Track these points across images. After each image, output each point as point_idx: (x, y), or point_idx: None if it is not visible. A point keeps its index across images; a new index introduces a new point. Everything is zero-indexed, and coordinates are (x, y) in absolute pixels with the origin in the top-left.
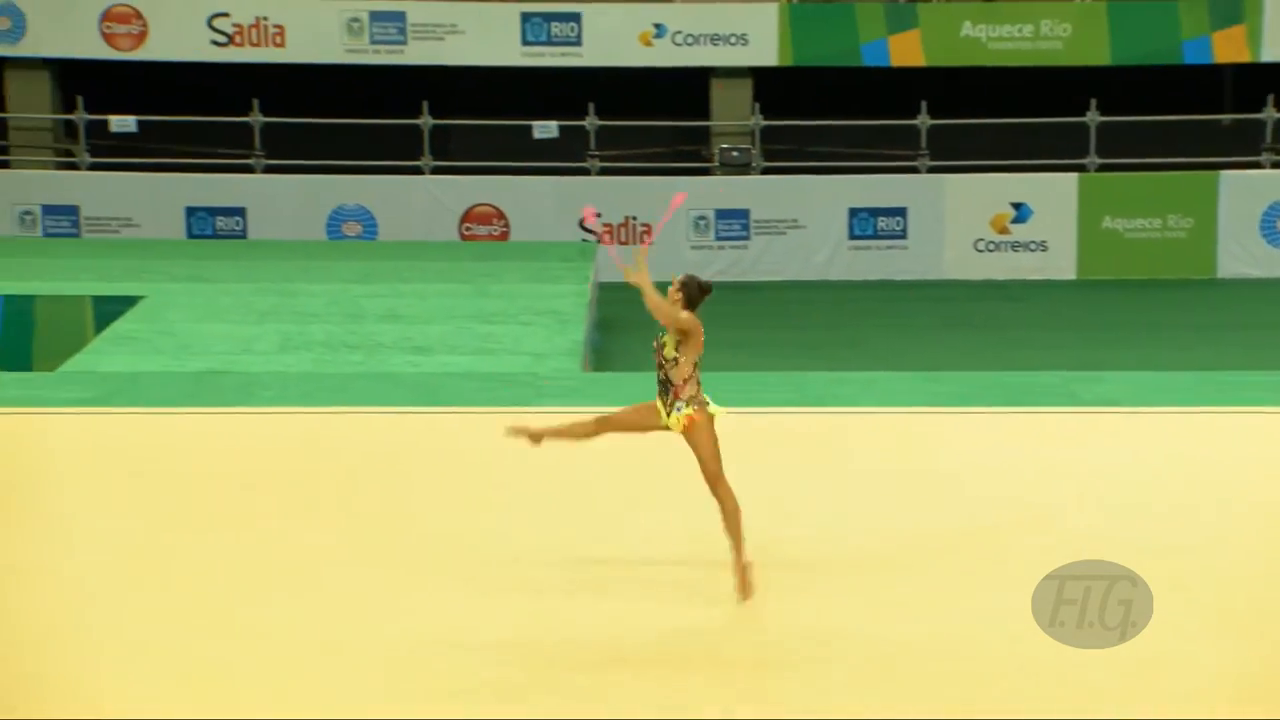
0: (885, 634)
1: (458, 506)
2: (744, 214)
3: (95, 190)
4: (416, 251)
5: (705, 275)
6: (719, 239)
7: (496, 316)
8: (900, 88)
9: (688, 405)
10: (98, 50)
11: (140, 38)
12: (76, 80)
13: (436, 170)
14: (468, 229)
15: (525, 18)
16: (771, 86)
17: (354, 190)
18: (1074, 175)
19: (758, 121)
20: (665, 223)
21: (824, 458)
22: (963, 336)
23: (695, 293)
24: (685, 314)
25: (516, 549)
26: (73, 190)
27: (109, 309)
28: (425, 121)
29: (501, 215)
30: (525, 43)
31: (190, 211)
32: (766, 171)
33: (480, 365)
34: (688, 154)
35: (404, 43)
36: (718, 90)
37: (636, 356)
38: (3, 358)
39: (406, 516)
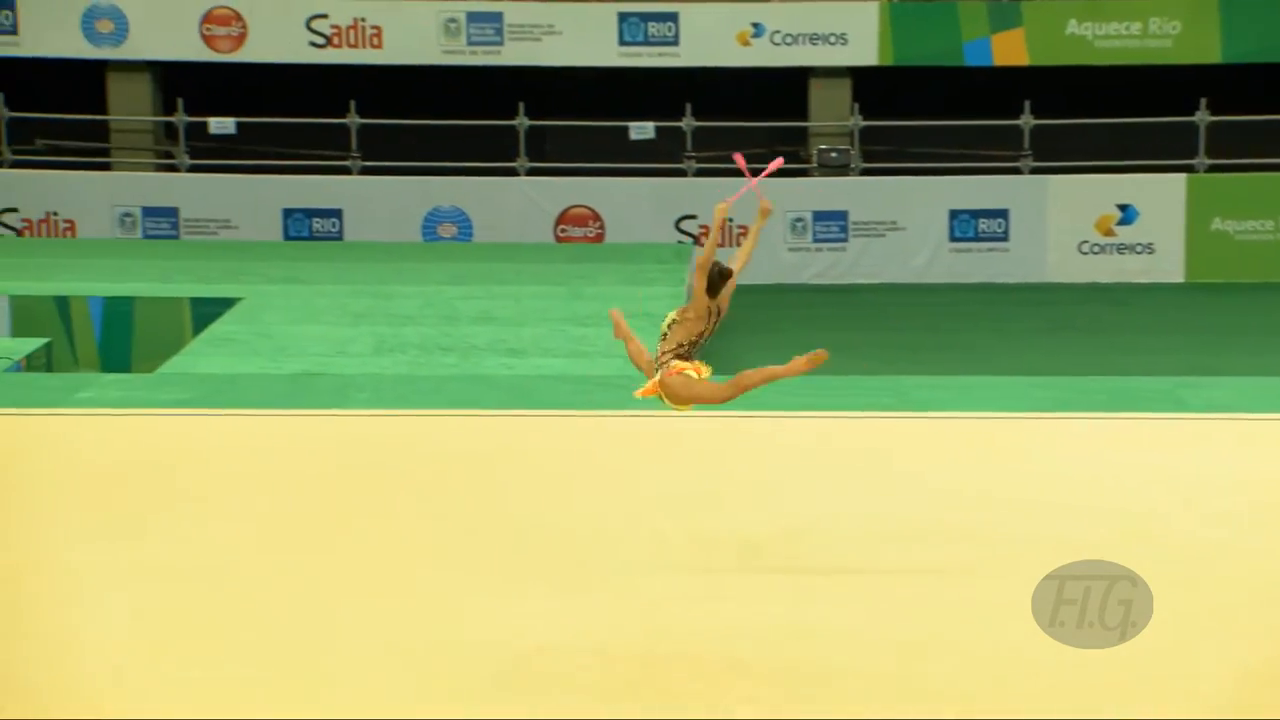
0: (980, 640)
1: (551, 509)
2: (842, 216)
3: (194, 192)
4: (511, 253)
5: (803, 277)
6: (816, 241)
7: (591, 319)
8: (1003, 87)
9: (649, 376)
10: (198, 52)
11: (240, 39)
12: (177, 82)
13: (532, 171)
14: (563, 231)
15: (622, 17)
16: (871, 86)
17: (449, 191)
18: (1182, 176)
19: (857, 122)
20: (760, 180)
21: (922, 463)
22: (1066, 340)
23: (715, 278)
24: (701, 285)
25: (609, 551)
26: (172, 192)
27: (207, 310)
28: (521, 122)
29: (597, 217)
30: (622, 43)
31: (287, 213)
32: (865, 173)
33: (574, 368)
34: (785, 155)
35: (500, 43)
36: (816, 90)
37: (732, 359)
38: (102, 359)
39: (501, 519)
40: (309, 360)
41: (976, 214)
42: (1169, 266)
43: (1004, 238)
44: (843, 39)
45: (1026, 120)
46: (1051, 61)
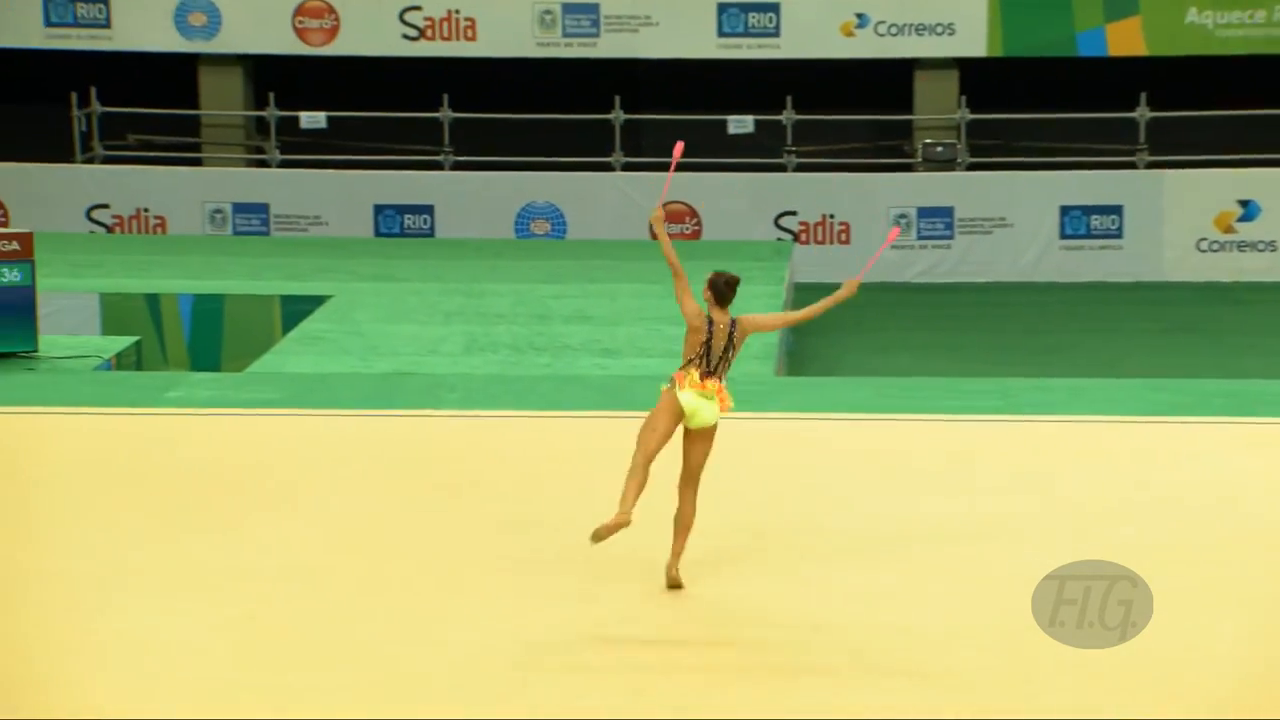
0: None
1: (644, 512)
2: (948, 212)
3: (285, 188)
4: (606, 250)
5: (906, 276)
6: (921, 238)
7: None
8: (1118, 78)
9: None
10: (290, 45)
11: (332, 32)
12: (268, 76)
13: (627, 167)
14: None
15: (721, 8)
16: (979, 78)
17: (543, 187)
18: None
19: (964, 115)
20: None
21: (1029, 469)
22: (1183, 342)
23: (722, 288)
24: (692, 308)
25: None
26: (263, 188)
27: (297, 308)
28: (616, 116)
29: (694, 213)
30: (721, 34)
31: (378, 209)
32: (972, 167)
33: (670, 368)
34: (889, 149)
35: (597, 35)
36: (922, 82)
37: (832, 360)
38: (192, 357)
39: (592, 522)
40: (399, 359)
41: (1089, 210)
42: None
43: (1118, 235)
44: (950, 29)
45: (1143, 113)
46: (1170, 52)
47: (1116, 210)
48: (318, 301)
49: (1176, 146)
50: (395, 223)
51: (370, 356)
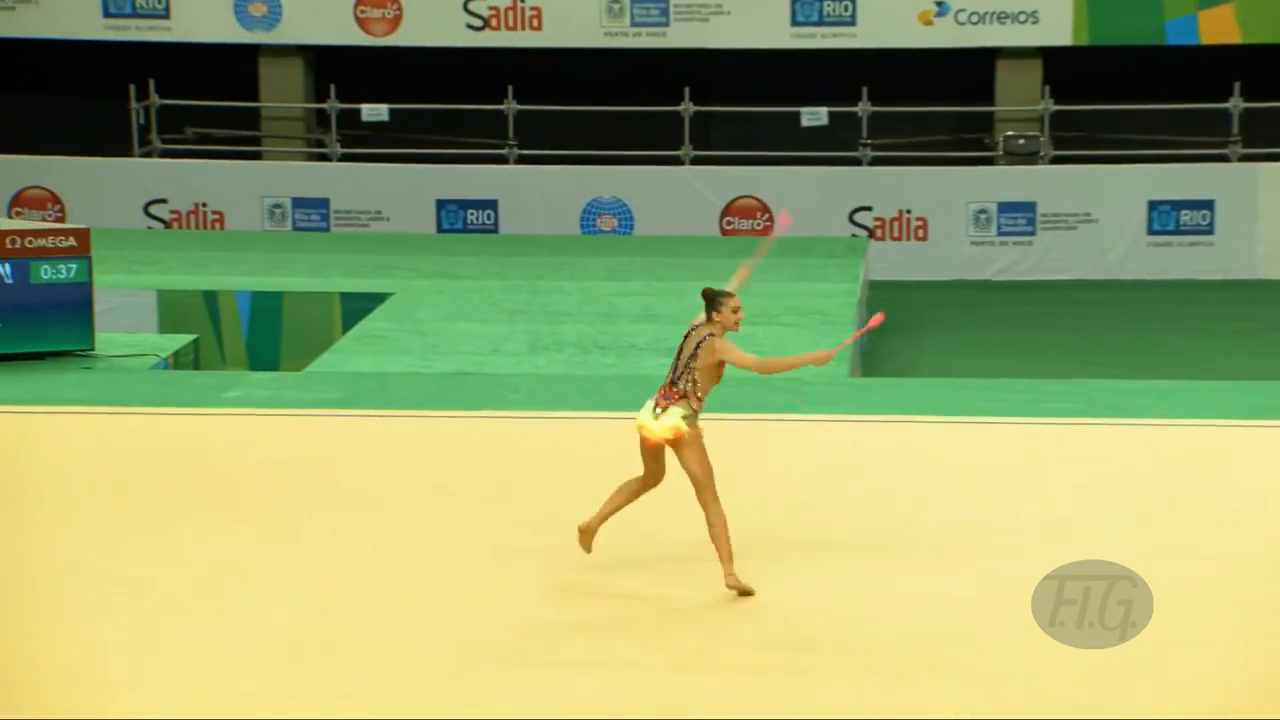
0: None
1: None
2: (1030, 207)
3: (345, 182)
4: (674, 247)
5: (985, 273)
6: (1001, 234)
7: (758, 317)
8: (1209, 67)
9: (683, 416)
10: (352, 36)
11: (395, 22)
12: (329, 67)
13: (697, 160)
14: (729, 223)
15: None
16: (1063, 68)
17: (610, 181)
18: None
19: (1047, 106)
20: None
21: (1114, 474)
22: (1275, 342)
23: (702, 297)
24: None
25: (774, 561)
26: (323, 182)
27: (357, 306)
28: (686, 108)
29: (764, 208)
30: (795, 23)
31: (441, 204)
32: (1056, 161)
33: (739, 369)
34: (969, 142)
35: (666, 24)
36: (1004, 72)
37: (908, 361)
38: (250, 356)
39: (658, 527)
40: (461, 359)
41: (1178, 205)
42: None
43: (1209, 231)
44: (1034, 17)
45: (1235, 103)
46: (1266, 39)
47: (1208, 205)
48: (378, 299)
49: (1271, 138)
50: (458, 218)
51: (431, 356)
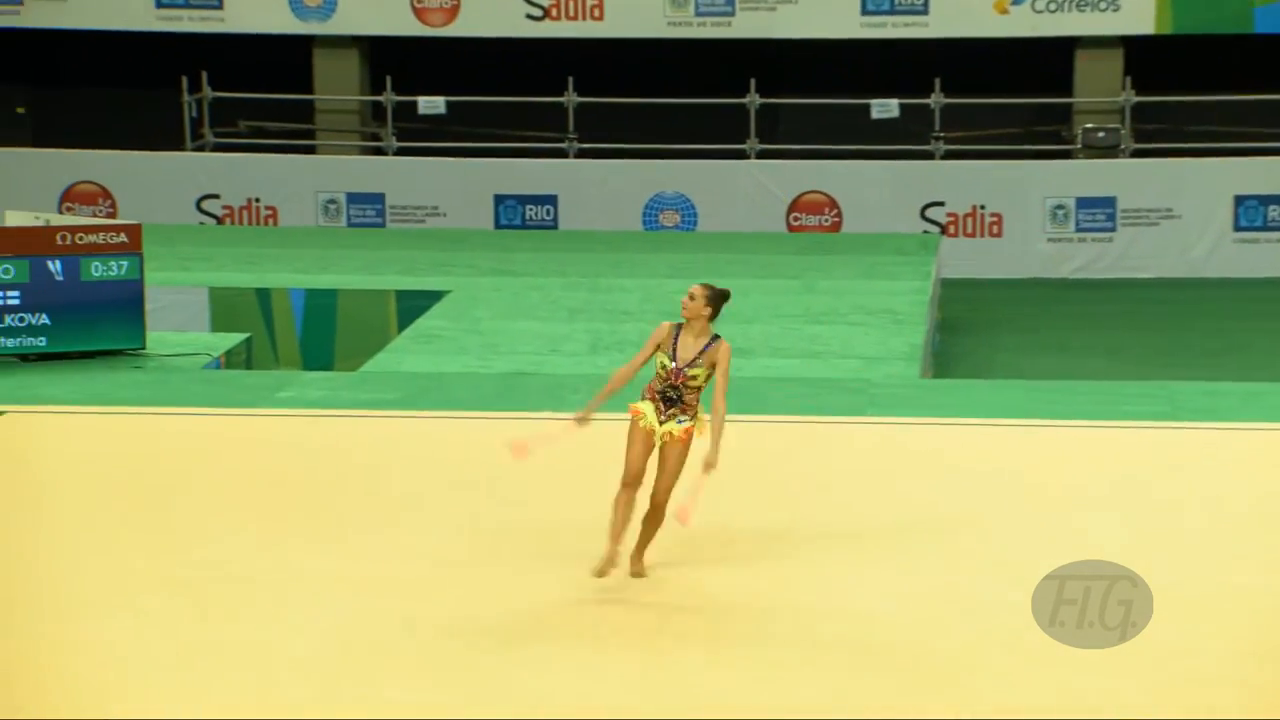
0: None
1: (775, 524)
2: (1110, 202)
3: (401, 177)
4: (739, 243)
5: (1063, 271)
6: (1080, 230)
7: (825, 316)
8: None
9: (690, 420)
10: (408, 27)
11: (452, 12)
12: (385, 59)
13: (763, 154)
14: (795, 219)
15: None
16: (1145, 58)
17: (673, 176)
18: None
19: (1128, 98)
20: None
21: (1195, 479)
22: None
23: (718, 301)
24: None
25: (834, 561)
26: (379, 177)
27: (413, 304)
28: (752, 101)
29: (833, 204)
30: (865, 11)
31: (499, 200)
32: (1137, 154)
33: (806, 370)
34: (1046, 135)
35: (731, 14)
36: (1083, 63)
37: (982, 361)
38: (304, 355)
39: (719, 531)
40: (520, 359)
41: (1265, 200)
42: None
43: None
44: (1114, 5)
45: None
46: None
47: None
48: (435, 297)
49: None
50: (517, 214)
51: (489, 355)
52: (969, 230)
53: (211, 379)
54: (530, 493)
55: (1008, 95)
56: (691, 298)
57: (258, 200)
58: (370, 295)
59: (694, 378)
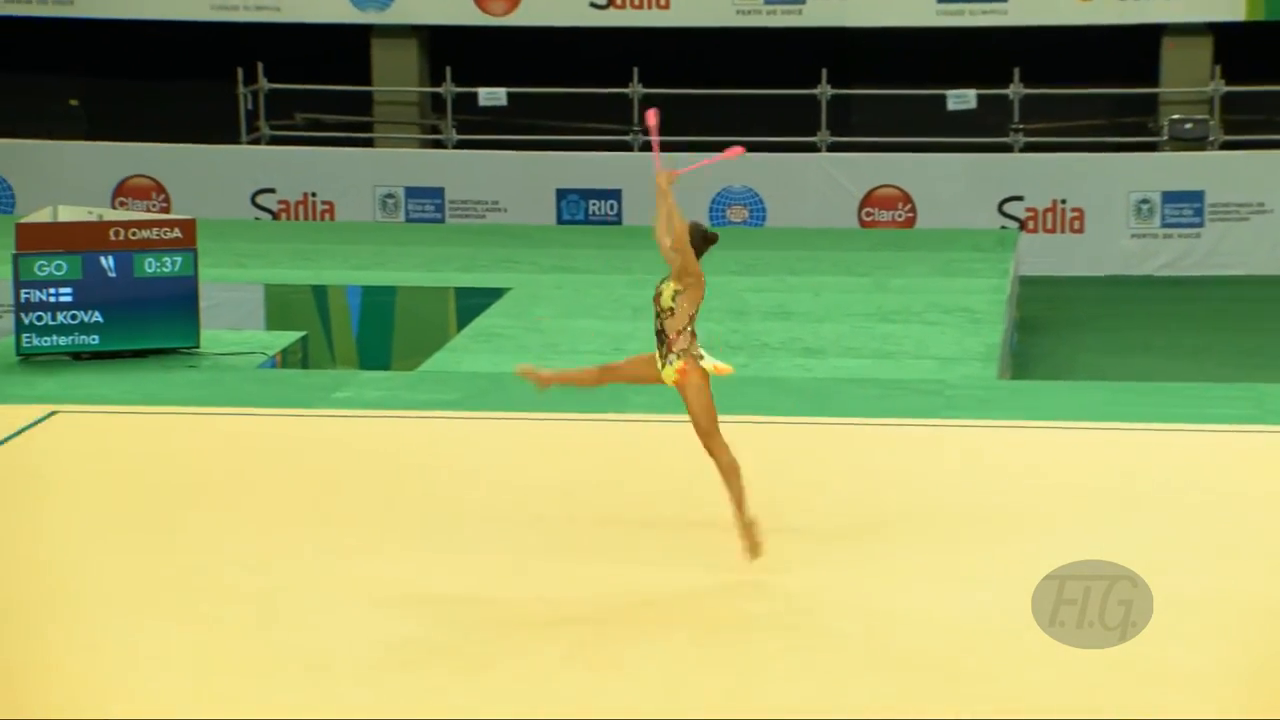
0: None
1: (848, 530)
2: (1198, 197)
3: (461, 170)
4: (809, 239)
5: (1147, 268)
6: (1166, 225)
7: (898, 315)
8: None
9: (679, 358)
10: (469, 16)
11: (514, 1)
12: (445, 49)
13: (834, 147)
14: (868, 214)
15: None
16: (1235, 46)
17: (740, 170)
18: None
19: (1217, 87)
20: (706, 165)
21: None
22: None
23: (699, 242)
24: (695, 262)
25: (903, 565)
26: (438, 170)
27: (473, 302)
28: (823, 92)
29: (907, 198)
30: (941, 0)
31: (561, 194)
32: (1226, 146)
33: (879, 370)
34: (1131, 126)
35: (802, 2)
36: (1169, 51)
37: (1062, 362)
38: (360, 354)
39: (790, 538)
40: (582, 358)
41: None
42: None
43: None
44: None
45: None
46: None
47: None
48: (495, 294)
49: None
50: (579, 209)
51: (551, 354)
52: (1049, 226)
53: (266, 378)
54: (598, 497)
55: (1090, 85)
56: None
57: (314, 194)
58: (429, 292)
59: (661, 295)
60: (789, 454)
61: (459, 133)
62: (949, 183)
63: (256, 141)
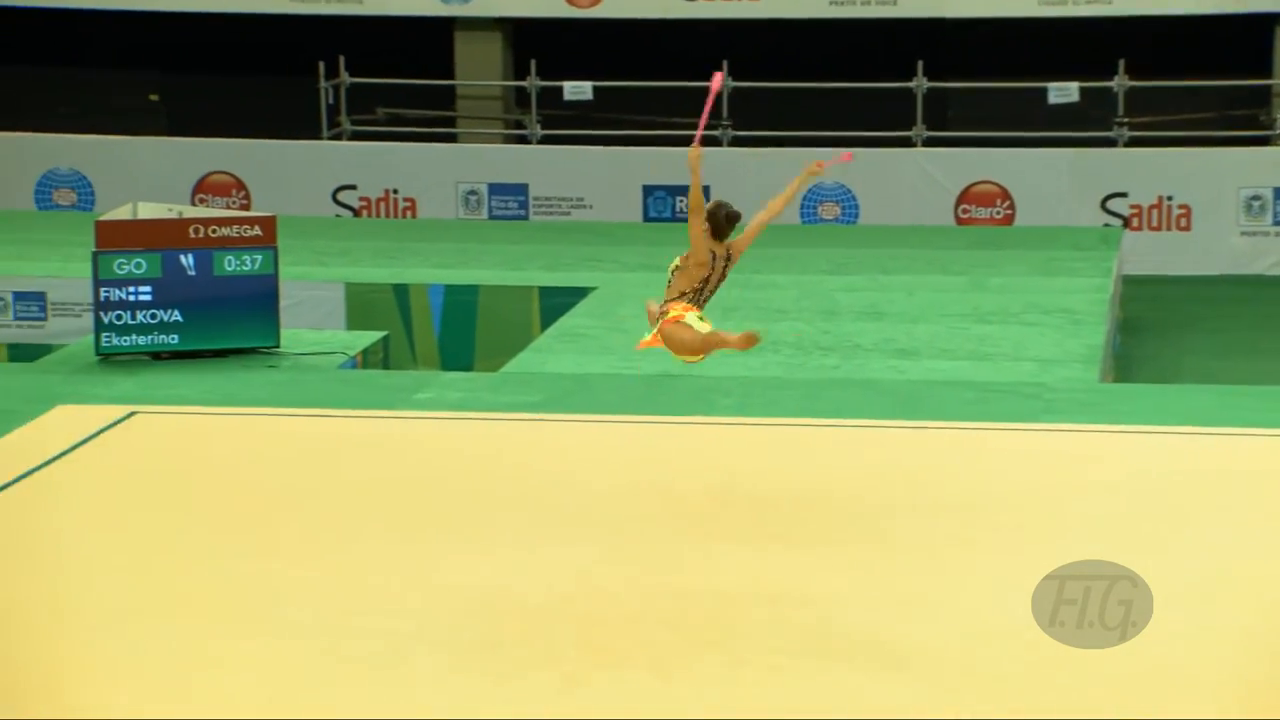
0: None
1: (943, 540)
2: None
3: (545, 167)
4: (903, 237)
5: (1257, 268)
6: (1277, 223)
7: (996, 315)
8: None
9: (652, 329)
10: (555, 8)
11: None
12: (530, 42)
13: (930, 142)
14: (965, 211)
15: None
16: None
17: (833, 166)
18: None
19: None
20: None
21: None
22: None
23: (722, 222)
24: (705, 244)
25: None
26: (522, 166)
27: (557, 301)
28: (919, 84)
29: (1005, 195)
30: None
31: (648, 190)
32: None
33: (975, 373)
34: (1241, 120)
35: None
36: None
37: (1168, 364)
38: (442, 354)
39: (881, 549)
40: (668, 360)
41: None
42: None
43: None
44: None
45: None
46: None
47: None
48: (580, 294)
49: None
50: (666, 205)
51: (635, 356)
52: (1154, 223)
53: (347, 379)
54: (684, 501)
55: (1198, 77)
56: None
57: (396, 191)
58: (512, 292)
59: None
60: (882, 459)
61: (543, 128)
62: (1049, 178)
63: (338, 137)
